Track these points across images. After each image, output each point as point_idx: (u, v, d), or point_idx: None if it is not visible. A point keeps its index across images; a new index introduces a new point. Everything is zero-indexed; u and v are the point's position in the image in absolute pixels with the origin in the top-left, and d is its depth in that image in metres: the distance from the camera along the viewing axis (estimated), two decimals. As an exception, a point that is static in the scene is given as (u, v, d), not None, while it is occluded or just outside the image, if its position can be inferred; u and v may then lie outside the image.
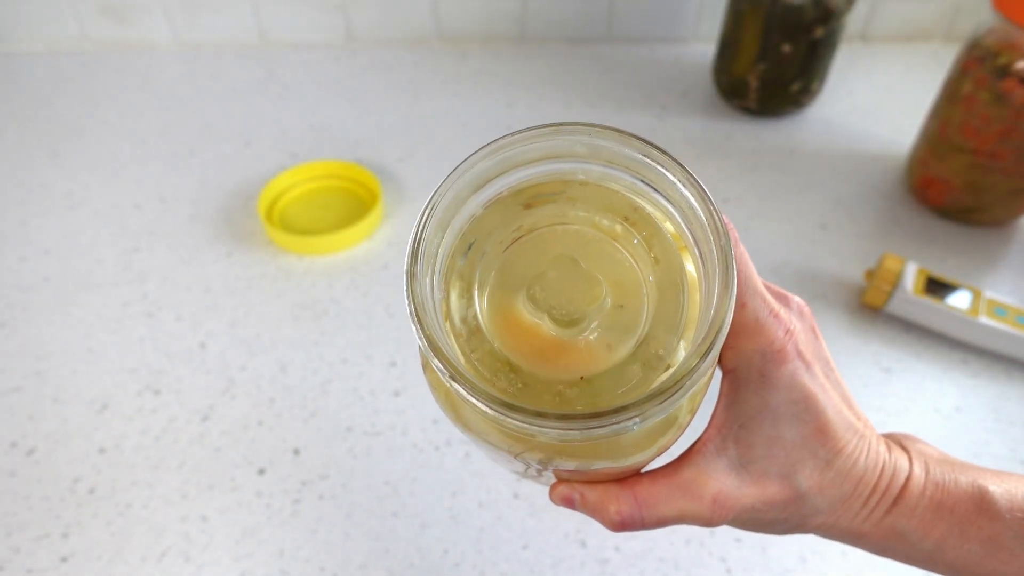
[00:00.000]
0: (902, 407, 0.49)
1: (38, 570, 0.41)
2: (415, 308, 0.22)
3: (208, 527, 0.43)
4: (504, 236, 0.24)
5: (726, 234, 0.22)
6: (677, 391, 0.21)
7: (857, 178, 0.65)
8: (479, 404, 0.21)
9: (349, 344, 0.51)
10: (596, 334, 0.23)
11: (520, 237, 0.24)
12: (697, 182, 0.23)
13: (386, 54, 0.77)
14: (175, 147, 0.67)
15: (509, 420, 0.21)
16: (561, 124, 0.23)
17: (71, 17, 0.75)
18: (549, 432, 0.21)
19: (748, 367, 0.26)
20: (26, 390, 0.49)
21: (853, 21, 0.77)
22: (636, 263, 0.24)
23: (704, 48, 0.78)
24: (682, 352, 0.23)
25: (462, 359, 0.23)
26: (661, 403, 0.21)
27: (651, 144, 0.23)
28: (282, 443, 0.46)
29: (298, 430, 0.47)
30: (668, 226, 0.24)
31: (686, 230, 0.24)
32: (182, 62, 0.77)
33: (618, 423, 0.21)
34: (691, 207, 0.23)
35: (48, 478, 0.45)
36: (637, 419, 0.21)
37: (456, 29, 0.78)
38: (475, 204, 0.24)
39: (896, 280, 0.51)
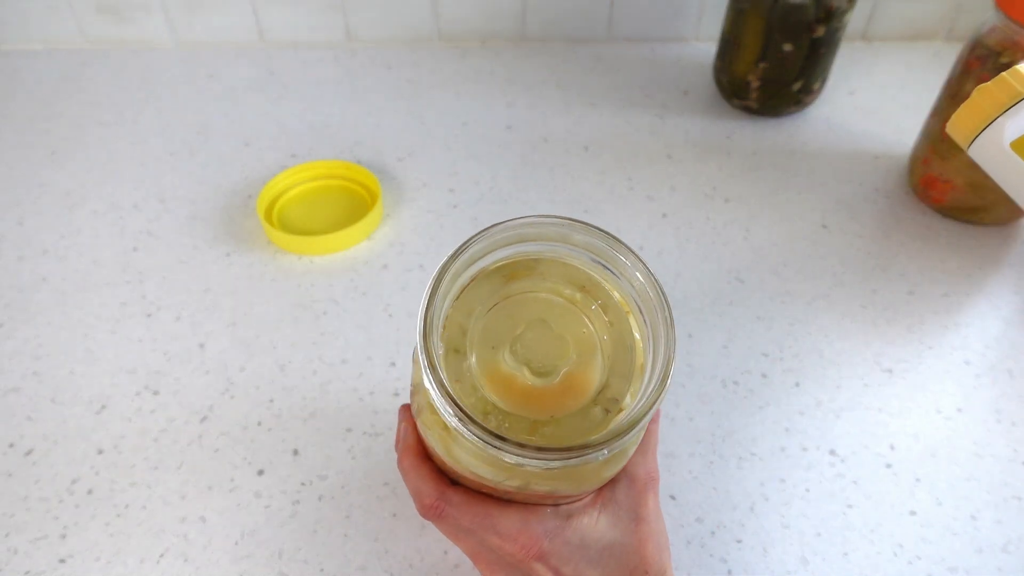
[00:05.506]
0: (904, 408, 0.48)
1: (36, 572, 0.40)
2: (431, 367, 0.26)
3: (207, 528, 0.42)
4: (490, 302, 0.30)
5: (669, 306, 0.27)
6: (635, 428, 0.26)
7: (859, 178, 0.65)
8: (480, 440, 0.25)
9: (349, 344, 0.51)
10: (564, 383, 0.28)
11: (501, 302, 0.30)
12: (646, 266, 0.29)
13: (386, 53, 0.77)
14: (174, 147, 0.67)
15: (504, 454, 0.25)
16: (543, 215, 0.29)
17: (69, 16, 0.75)
18: (532, 462, 0.26)
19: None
20: (24, 390, 0.49)
21: (854, 20, 0.77)
22: (593, 325, 0.30)
23: (705, 47, 0.78)
24: (629, 397, 0.28)
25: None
26: (622, 439, 0.26)
27: (611, 235, 0.29)
28: (281, 444, 0.46)
29: (297, 431, 0.47)
30: (617, 295, 0.30)
31: (633, 300, 0.30)
32: (181, 61, 0.76)
33: (587, 454, 0.26)
34: (640, 283, 0.29)
35: (46, 479, 0.44)
36: (604, 451, 0.26)
37: (456, 28, 0.78)
38: (467, 276, 0.30)
39: (997, 115, 0.39)
